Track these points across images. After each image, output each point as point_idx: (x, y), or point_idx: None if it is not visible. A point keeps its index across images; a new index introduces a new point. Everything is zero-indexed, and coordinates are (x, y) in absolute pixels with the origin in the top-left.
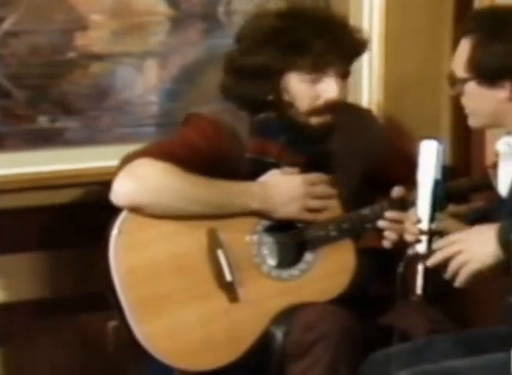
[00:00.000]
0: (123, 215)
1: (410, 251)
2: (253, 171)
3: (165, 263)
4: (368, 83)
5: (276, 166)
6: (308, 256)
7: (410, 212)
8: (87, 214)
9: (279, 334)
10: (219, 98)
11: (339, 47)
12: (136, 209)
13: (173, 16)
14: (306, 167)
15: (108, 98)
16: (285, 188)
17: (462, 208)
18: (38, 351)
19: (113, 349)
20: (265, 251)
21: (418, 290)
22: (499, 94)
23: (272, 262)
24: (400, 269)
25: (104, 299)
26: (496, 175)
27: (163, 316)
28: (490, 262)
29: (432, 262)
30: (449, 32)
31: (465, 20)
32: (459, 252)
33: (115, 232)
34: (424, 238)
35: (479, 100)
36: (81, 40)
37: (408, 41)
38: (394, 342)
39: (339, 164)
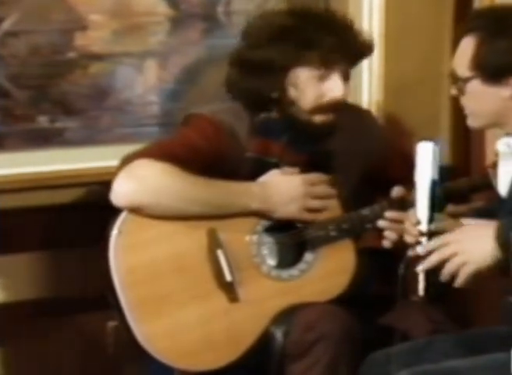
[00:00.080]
0: (123, 215)
1: (410, 253)
2: (254, 170)
3: (164, 263)
4: (367, 83)
5: (277, 165)
6: (308, 256)
7: (410, 213)
8: (87, 214)
9: (278, 334)
10: (219, 97)
11: (347, 46)
12: (136, 210)
13: (173, 16)
14: (307, 167)
15: (108, 98)
16: (285, 188)
17: (462, 209)
18: (38, 351)
19: (113, 349)
20: (265, 251)
21: (420, 291)
22: (503, 91)
23: (271, 262)
24: (401, 270)
25: (104, 299)
26: (495, 175)
27: (163, 316)
28: (488, 261)
29: (427, 264)
30: (449, 32)
31: (467, 19)
32: (455, 254)
33: (115, 232)
34: (424, 239)
35: (482, 98)
36: (81, 40)
37: (408, 41)
38: (395, 343)
39: (340, 164)
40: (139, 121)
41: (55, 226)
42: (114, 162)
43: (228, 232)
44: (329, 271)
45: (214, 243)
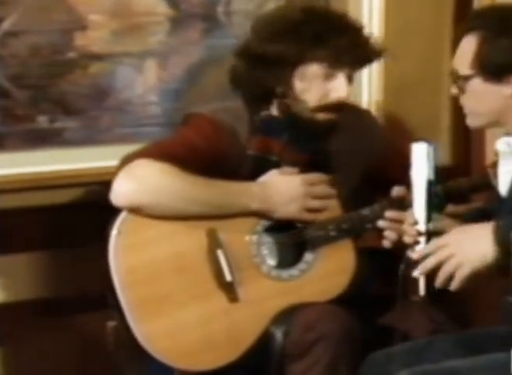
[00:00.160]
0: (123, 215)
1: (409, 253)
2: (255, 169)
3: (164, 263)
4: (367, 83)
5: (279, 163)
6: (308, 256)
7: (407, 213)
8: (87, 214)
9: (278, 334)
10: (219, 97)
11: (357, 48)
12: (135, 210)
13: (173, 16)
14: (307, 166)
15: (108, 98)
16: (284, 188)
17: (461, 209)
18: (38, 351)
19: (113, 349)
20: (265, 251)
21: (421, 291)
22: (504, 90)
23: (271, 262)
24: (401, 270)
25: (104, 299)
26: (495, 174)
27: (163, 316)
28: (487, 261)
29: (423, 268)
30: (449, 32)
31: (467, 19)
32: (451, 256)
33: (114, 232)
34: (422, 239)
35: (482, 97)
36: (81, 40)
37: (408, 41)
38: (396, 343)
39: (340, 163)
40: (139, 121)
41: (55, 226)
42: (114, 162)
43: (228, 232)
44: (329, 271)
45: (214, 243)
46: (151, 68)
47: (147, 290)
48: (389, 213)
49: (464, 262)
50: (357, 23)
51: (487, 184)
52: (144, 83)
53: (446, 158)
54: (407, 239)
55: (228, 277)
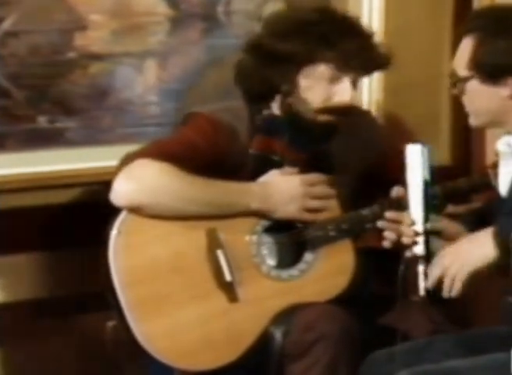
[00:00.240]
0: (123, 215)
1: (408, 254)
2: (257, 168)
3: (164, 263)
4: (367, 83)
5: (281, 163)
6: (308, 256)
7: (404, 214)
8: (87, 214)
9: (278, 334)
10: (219, 97)
11: (366, 54)
12: (135, 209)
13: (173, 16)
14: (307, 166)
15: (108, 98)
16: (285, 188)
17: (461, 209)
18: (38, 351)
19: (112, 349)
20: (265, 251)
21: (421, 291)
22: (502, 91)
23: (271, 262)
24: (401, 270)
25: (104, 299)
26: (496, 175)
27: (163, 316)
28: (485, 262)
29: (431, 282)
30: (449, 32)
31: (466, 20)
32: (452, 263)
33: (114, 232)
34: (420, 239)
35: (481, 98)
36: (81, 40)
37: (408, 41)
38: (398, 343)
39: (340, 164)
40: (139, 121)
41: (54, 226)
42: (114, 162)
43: (228, 232)
44: (329, 271)
45: (214, 243)
46: (150, 68)
47: (146, 290)
48: (388, 213)
49: (464, 264)
50: (368, 29)
51: (487, 184)
52: (143, 83)
53: (446, 158)
54: (405, 240)
55: (228, 277)
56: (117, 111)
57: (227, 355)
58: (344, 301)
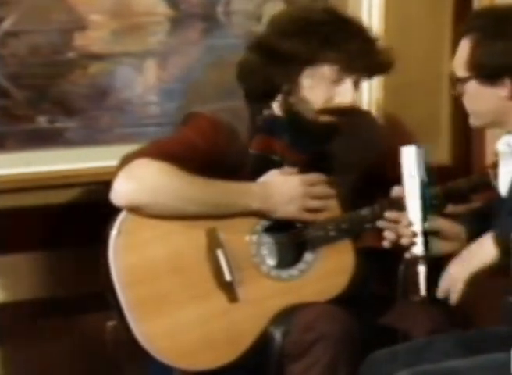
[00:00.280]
0: (122, 215)
1: (407, 255)
2: (257, 168)
3: (164, 263)
4: (367, 83)
5: (281, 163)
6: (308, 256)
7: (401, 215)
8: (86, 214)
9: (278, 334)
10: (219, 97)
11: (370, 57)
12: (135, 209)
13: (173, 16)
14: (307, 166)
15: (108, 98)
16: (285, 188)
17: (461, 209)
18: (38, 351)
19: (112, 349)
20: (265, 251)
21: (422, 291)
22: (500, 92)
23: (271, 262)
24: (401, 270)
25: (104, 299)
26: (496, 175)
27: (162, 316)
28: (485, 262)
29: (440, 294)
30: (449, 32)
31: (466, 20)
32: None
33: (114, 232)
34: (419, 240)
35: (480, 99)
36: (81, 40)
37: (408, 41)
38: (399, 342)
39: (340, 164)
40: (139, 121)
41: (54, 226)
42: (114, 162)
43: (228, 232)
44: (329, 271)
45: (213, 243)
46: (150, 68)
47: (146, 290)
48: (388, 213)
49: (465, 265)
50: (373, 33)
51: (487, 184)
52: (143, 83)
53: (446, 158)
54: (404, 241)
55: (227, 277)
56: (117, 111)
57: (227, 355)
58: (344, 301)
